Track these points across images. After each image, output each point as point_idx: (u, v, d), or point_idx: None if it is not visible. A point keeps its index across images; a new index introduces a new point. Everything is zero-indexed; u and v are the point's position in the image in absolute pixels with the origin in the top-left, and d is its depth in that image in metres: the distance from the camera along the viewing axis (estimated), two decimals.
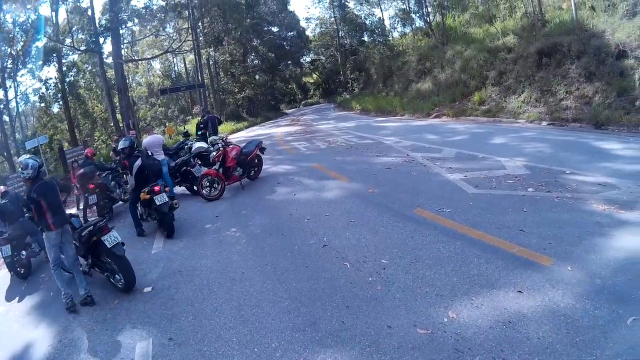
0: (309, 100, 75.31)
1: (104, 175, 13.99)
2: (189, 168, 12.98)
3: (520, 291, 4.85)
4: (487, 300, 4.78)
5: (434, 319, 4.59)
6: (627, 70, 16.51)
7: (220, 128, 21.86)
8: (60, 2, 32.43)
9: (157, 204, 9.09)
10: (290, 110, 63.75)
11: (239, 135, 31.03)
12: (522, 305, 4.59)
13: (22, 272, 9.04)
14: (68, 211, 15.54)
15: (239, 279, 6.43)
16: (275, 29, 59.17)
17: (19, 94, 35.02)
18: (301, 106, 71.01)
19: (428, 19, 39.22)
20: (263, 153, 13.45)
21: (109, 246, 6.83)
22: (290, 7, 64.14)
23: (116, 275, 7.09)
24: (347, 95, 52.86)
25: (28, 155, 7.05)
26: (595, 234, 6.03)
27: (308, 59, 70.43)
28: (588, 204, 7.23)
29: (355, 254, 6.51)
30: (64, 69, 36.16)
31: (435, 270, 5.59)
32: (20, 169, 6.81)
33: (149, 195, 9.23)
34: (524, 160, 10.61)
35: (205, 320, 5.44)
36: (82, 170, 13.42)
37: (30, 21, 30.32)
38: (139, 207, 9.96)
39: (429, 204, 8.26)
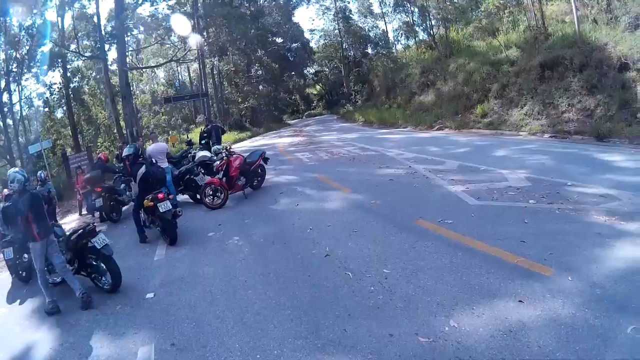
0: (312, 111, 75.10)
1: (115, 177, 14.15)
2: (192, 176, 13.05)
3: (521, 301, 4.88)
4: (488, 310, 4.82)
5: (435, 328, 4.62)
6: (629, 82, 16.63)
7: (224, 138, 21.94)
8: (67, 8, 32.62)
9: (161, 211, 9.12)
10: (293, 121, 63.56)
11: (242, 145, 31.06)
12: (522, 315, 4.62)
13: (23, 275, 9.02)
14: (70, 217, 15.79)
15: (242, 287, 6.46)
16: (279, 40, 59.26)
17: (23, 97, 35.09)
18: (304, 117, 70.75)
19: (432, 32, 39.37)
20: (266, 163, 13.51)
21: (98, 247, 7.06)
22: (295, 19, 64.29)
23: (102, 278, 7.32)
24: (350, 107, 52.89)
25: (16, 169, 7.20)
26: (596, 244, 6.08)
27: (312, 70, 70.46)
28: (589, 215, 7.30)
29: (357, 264, 6.54)
30: (69, 74, 36.44)
31: (436, 280, 5.64)
32: (8, 182, 6.95)
33: (152, 203, 9.26)
34: (526, 173, 10.66)
35: (208, 326, 5.47)
36: (88, 175, 13.60)
37: (36, 26, 30.47)
38: (142, 214, 10.02)
39: (430, 215, 8.30)
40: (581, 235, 6.46)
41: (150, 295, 6.82)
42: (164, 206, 9.15)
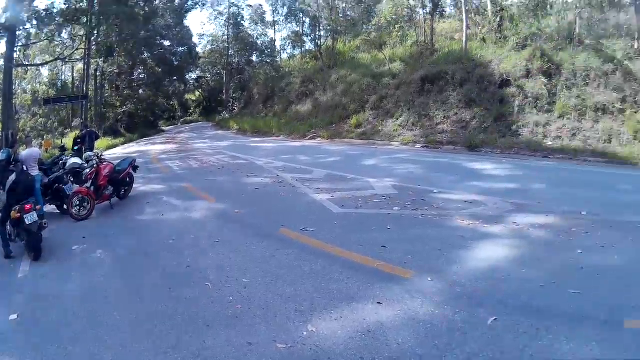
0: (188, 118, 72.61)
1: None
2: (61, 185, 12.37)
3: (379, 303, 5.03)
4: (346, 313, 4.91)
5: (293, 334, 4.64)
6: (508, 97, 18.02)
7: (97, 143, 21.08)
8: None
9: (27, 223, 8.40)
10: (168, 128, 61.12)
11: (114, 152, 29.59)
12: (381, 316, 4.77)
13: None
14: None
15: (103, 302, 6.13)
16: (167, 43, 57.54)
17: None
18: (179, 124, 68.56)
19: (319, 42, 39.95)
20: (135, 171, 13.13)
21: None
22: (187, 22, 62.82)
23: None
24: (227, 115, 52.29)
25: None
26: (458, 247, 6.45)
27: (194, 76, 68.94)
28: (452, 220, 7.75)
29: (218, 274, 6.47)
30: None
31: (295, 287, 5.67)
32: None
33: (19, 214, 8.54)
34: (393, 181, 11.08)
35: (71, 347, 5.10)
36: None
37: None
38: (9, 227, 9.31)
39: (294, 224, 8.39)
40: (443, 239, 6.82)
41: (13, 316, 6.21)
42: (30, 218, 8.44)
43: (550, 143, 16.70)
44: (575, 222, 7.89)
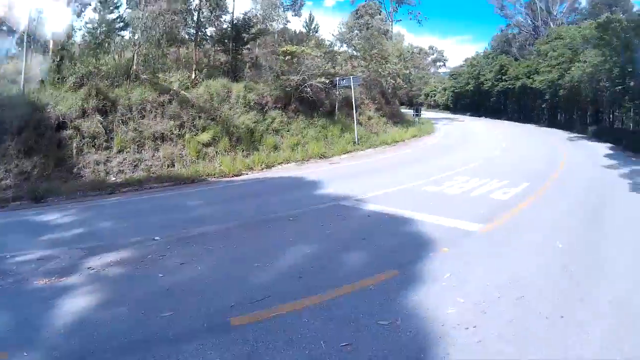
0: None
1: None
2: None
3: None
4: None
5: None
6: (66, 140, 17.58)
7: None
8: None
9: None
10: None
11: None
12: None
13: None
14: None
15: None
16: None
17: None
18: None
19: None
20: None
21: None
22: None
23: None
24: None
25: None
26: (43, 309, 6.02)
27: None
28: (30, 282, 7.15)
29: None
30: None
31: None
32: None
33: None
34: None
35: None
36: None
37: None
38: None
39: None
40: (26, 306, 6.28)
41: None
42: None
43: (113, 179, 17.22)
44: (149, 249, 8.45)
